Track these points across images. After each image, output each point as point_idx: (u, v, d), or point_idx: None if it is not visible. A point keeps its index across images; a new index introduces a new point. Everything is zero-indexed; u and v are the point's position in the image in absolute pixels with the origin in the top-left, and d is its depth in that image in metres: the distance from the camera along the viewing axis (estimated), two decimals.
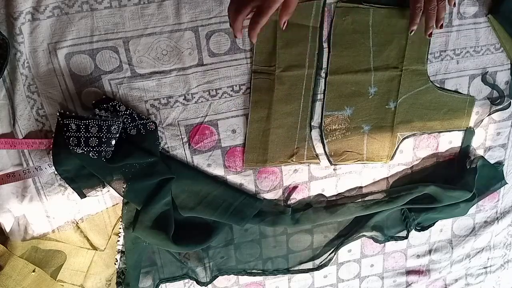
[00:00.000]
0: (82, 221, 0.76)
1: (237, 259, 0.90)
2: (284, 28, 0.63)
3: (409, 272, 1.05)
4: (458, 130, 0.87)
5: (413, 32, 0.72)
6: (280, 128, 0.77)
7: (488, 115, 0.88)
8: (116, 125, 0.66)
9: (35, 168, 0.68)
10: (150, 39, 0.66)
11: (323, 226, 0.91)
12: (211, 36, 0.68)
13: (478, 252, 1.07)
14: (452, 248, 1.03)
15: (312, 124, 0.79)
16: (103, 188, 0.74)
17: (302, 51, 0.72)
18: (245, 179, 0.81)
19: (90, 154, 0.65)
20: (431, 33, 0.72)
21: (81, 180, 0.70)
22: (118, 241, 0.79)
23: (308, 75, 0.74)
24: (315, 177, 0.85)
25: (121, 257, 0.81)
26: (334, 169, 0.85)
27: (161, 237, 0.74)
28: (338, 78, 0.76)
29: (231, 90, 0.73)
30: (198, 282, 0.89)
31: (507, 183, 0.97)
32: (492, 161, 0.94)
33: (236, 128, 0.77)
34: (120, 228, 0.78)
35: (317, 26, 0.71)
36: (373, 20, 0.73)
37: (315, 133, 0.80)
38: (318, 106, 0.78)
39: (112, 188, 0.72)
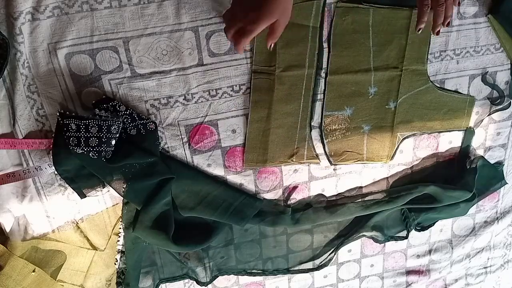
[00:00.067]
0: (82, 221, 0.76)
1: (237, 259, 0.90)
2: (271, 50, 0.62)
3: (409, 272, 1.05)
4: (458, 130, 0.87)
5: (420, 31, 0.69)
6: (280, 128, 0.77)
7: (488, 115, 0.88)
8: (116, 125, 0.66)
9: (35, 168, 0.68)
10: (150, 39, 0.66)
11: (323, 226, 0.91)
12: (211, 36, 0.68)
13: (478, 252, 1.07)
14: (452, 248, 1.03)
15: (312, 124, 0.79)
16: (103, 188, 0.74)
17: (302, 51, 0.72)
18: (245, 179, 0.81)
19: (90, 154, 0.65)
20: (439, 31, 0.69)
21: (81, 180, 0.70)
22: (118, 241, 0.79)
23: (308, 75, 0.74)
24: (315, 177, 0.85)
25: (121, 257, 0.81)
26: (334, 169, 0.85)
27: (161, 237, 0.74)
28: (338, 78, 0.76)
29: (231, 90, 0.73)
30: (198, 282, 0.89)
31: (507, 183, 0.97)
32: (492, 161, 0.94)
33: (236, 128, 0.77)
34: (120, 228, 0.78)
35: (317, 26, 0.71)
36: (373, 20, 0.73)
37: (315, 133, 0.80)
38: (318, 106, 0.78)
39: (112, 188, 0.72)
